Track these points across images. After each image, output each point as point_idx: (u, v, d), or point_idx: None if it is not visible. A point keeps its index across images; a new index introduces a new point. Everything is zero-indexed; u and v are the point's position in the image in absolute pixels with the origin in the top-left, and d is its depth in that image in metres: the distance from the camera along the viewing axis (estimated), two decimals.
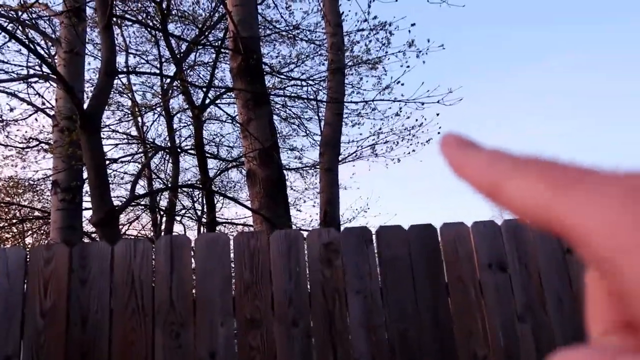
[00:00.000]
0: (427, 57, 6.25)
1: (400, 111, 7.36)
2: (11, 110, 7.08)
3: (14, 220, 9.15)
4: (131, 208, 9.37)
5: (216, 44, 7.54)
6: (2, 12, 5.75)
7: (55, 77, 3.22)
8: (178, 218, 10.11)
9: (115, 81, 8.20)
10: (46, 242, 7.74)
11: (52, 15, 6.39)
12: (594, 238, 0.17)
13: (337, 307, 1.96)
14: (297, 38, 8.56)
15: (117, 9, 6.03)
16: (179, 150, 8.63)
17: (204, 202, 8.12)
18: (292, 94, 8.72)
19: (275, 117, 7.16)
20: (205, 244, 1.98)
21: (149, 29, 7.64)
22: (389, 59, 7.48)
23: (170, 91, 7.96)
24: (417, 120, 7.63)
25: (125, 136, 8.96)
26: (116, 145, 8.78)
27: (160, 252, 1.94)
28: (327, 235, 2.05)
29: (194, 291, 1.93)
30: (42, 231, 9.51)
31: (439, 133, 7.46)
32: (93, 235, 7.78)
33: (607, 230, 0.17)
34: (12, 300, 1.83)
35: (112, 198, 2.97)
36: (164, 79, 8.19)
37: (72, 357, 1.79)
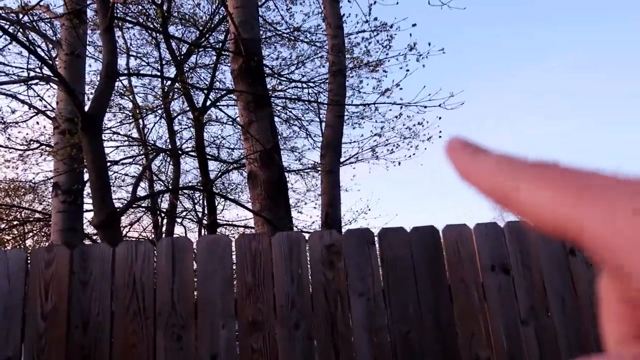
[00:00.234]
0: (427, 59, 6.26)
1: (401, 115, 7.36)
2: (12, 112, 7.09)
3: (15, 222, 9.16)
4: (132, 210, 9.38)
5: (217, 46, 7.55)
6: (3, 14, 5.76)
7: (56, 79, 3.22)
8: (179, 220, 10.11)
9: (117, 83, 8.22)
10: (47, 244, 7.74)
11: (52, 18, 6.40)
12: (613, 247, 0.17)
13: (339, 309, 1.95)
14: (297, 40, 8.57)
15: (118, 11, 6.04)
16: (179, 152, 8.63)
17: (205, 204, 8.12)
18: (293, 96, 8.72)
19: (276, 118, 7.17)
20: (207, 246, 1.97)
21: (149, 31, 7.64)
22: (389, 61, 7.49)
23: (171, 93, 7.97)
24: (419, 123, 7.61)
25: (126, 138, 8.97)
26: (117, 147, 8.78)
27: (161, 254, 1.93)
28: (329, 237, 2.04)
29: (195, 293, 1.93)
30: (42, 233, 9.51)
31: (440, 137, 7.49)
32: (94, 237, 7.78)
33: (627, 239, 0.17)
34: (12, 302, 1.83)
35: (113, 200, 2.97)
36: (165, 81, 8.20)
37: (73, 359, 1.79)
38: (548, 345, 2.00)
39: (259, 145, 4.19)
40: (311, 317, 1.93)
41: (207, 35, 7.98)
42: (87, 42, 6.85)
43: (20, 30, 5.99)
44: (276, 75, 8.18)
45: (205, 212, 8.45)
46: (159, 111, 8.49)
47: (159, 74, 8.25)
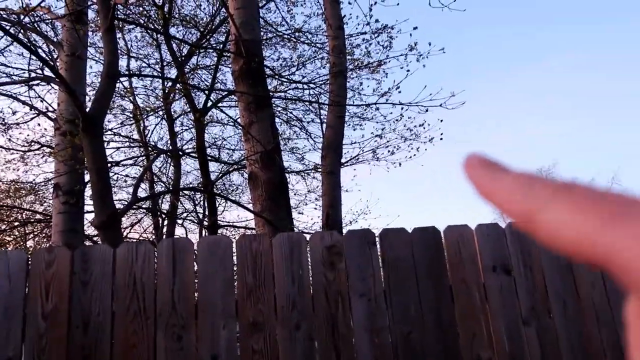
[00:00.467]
0: (428, 59, 6.26)
1: (402, 117, 7.36)
2: (13, 113, 7.10)
3: (16, 224, 9.16)
4: (133, 211, 9.38)
5: (218, 47, 7.55)
6: (4, 15, 5.77)
7: (57, 79, 3.22)
8: (180, 221, 10.11)
9: (118, 85, 8.23)
10: (47, 245, 7.73)
11: (54, 19, 6.40)
12: None
13: (340, 310, 1.94)
14: (298, 41, 8.57)
15: (119, 12, 6.05)
16: (180, 153, 8.63)
17: (206, 205, 8.12)
18: (294, 97, 8.72)
19: (277, 119, 7.17)
20: (208, 246, 1.97)
21: (150, 32, 7.64)
22: (390, 62, 7.49)
23: (172, 95, 7.97)
24: (420, 125, 7.61)
25: (127, 139, 8.97)
26: (118, 148, 8.79)
27: (162, 255, 1.93)
28: (330, 238, 2.04)
29: (195, 294, 1.92)
30: (43, 234, 9.52)
31: (441, 138, 7.49)
32: (95, 238, 7.78)
33: None
34: (13, 303, 1.82)
35: (114, 201, 2.97)
36: (166, 82, 8.20)
37: (74, 359, 1.79)
38: (550, 347, 1.99)
39: (259, 146, 4.19)
40: (312, 318, 1.93)
41: (208, 37, 7.98)
42: (88, 44, 6.86)
43: (22, 31, 5.99)
44: (277, 77, 8.18)
45: (206, 213, 8.46)
46: (160, 112, 8.50)
47: (159, 75, 8.24)
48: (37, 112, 7.09)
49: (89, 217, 6.84)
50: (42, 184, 8.71)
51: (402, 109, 6.33)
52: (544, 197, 0.20)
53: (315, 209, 10.22)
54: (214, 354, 1.84)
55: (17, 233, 9.38)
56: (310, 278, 1.98)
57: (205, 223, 8.68)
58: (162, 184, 9.92)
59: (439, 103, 5.20)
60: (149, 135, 9.58)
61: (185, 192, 9.61)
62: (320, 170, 6.61)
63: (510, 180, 0.22)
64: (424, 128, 7.56)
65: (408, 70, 6.03)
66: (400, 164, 8.13)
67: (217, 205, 7.92)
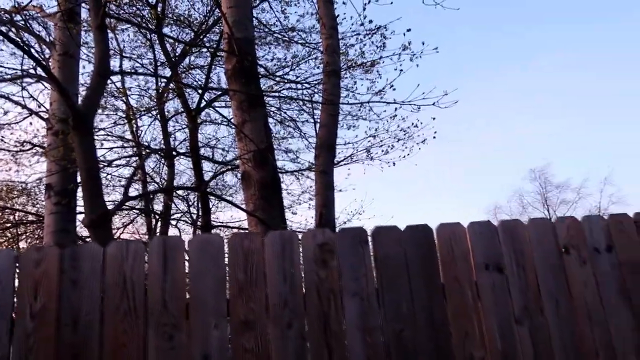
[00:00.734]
0: (421, 60, 6.27)
1: (396, 115, 7.37)
2: (5, 113, 7.04)
3: (8, 225, 9.10)
4: (126, 212, 9.32)
5: (212, 46, 7.52)
6: None
7: (48, 77, 3.19)
8: (173, 222, 10.06)
9: (111, 85, 8.19)
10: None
11: (44, 16, 6.36)
12: None
13: (333, 308, 1.93)
14: (292, 41, 8.56)
15: (112, 11, 6.01)
16: (173, 152, 8.59)
17: (199, 205, 8.08)
18: (287, 95, 8.70)
19: (271, 120, 7.16)
20: (199, 245, 1.96)
21: (142, 30, 7.59)
22: (383, 62, 7.49)
23: (165, 94, 7.94)
24: (412, 123, 7.62)
25: (120, 139, 8.91)
26: (111, 149, 8.73)
27: (153, 253, 1.91)
28: (322, 236, 2.03)
29: (187, 293, 1.91)
30: (36, 235, 9.45)
31: (434, 137, 7.50)
32: (87, 239, 7.73)
33: None
34: (1, 302, 1.80)
35: (104, 200, 2.94)
36: (159, 82, 8.17)
37: (63, 359, 1.76)
38: (542, 346, 1.99)
39: (252, 145, 4.17)
40: (304, 316, 1.91)
41: (202, 37, 7.96)
42: (82, 43, 6.82)
43: (13, 30, 5.95)
44: (271, 76, 8.17)
45: (200, 214, 8.42)
46: (153, 112, 8.46)
47: (153, 73, 8.19)
48: (29, 112, 7.04)
49: (81, 217, 6.80)
50: (34, 183, 8.65)
51: (395, 109, 6.34)
52: None
53: (309, 208, 10.21)
54: (206, 353, 1.82)
55: (9, 234, 9.30)
56: (302, 276, 1.96)
57: (199, 224, 8.66)
58: (155, 184, 9.88)
59: (431, 102, 5.20)
60: (142, 136, 9.54)
61: (179, 193, 9.57)
62: (313, 169, 6.59)
63: None
64: (417, 127, 7.57)
65: (401, 70, 6.03)
66: (394, 164, 8.13)
67: (210, 206, 7.89)
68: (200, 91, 5.74)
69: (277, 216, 4.13)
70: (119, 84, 8.63)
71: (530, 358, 1.96)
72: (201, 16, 8.38)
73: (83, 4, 5.98)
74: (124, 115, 8.67)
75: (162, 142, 8.92)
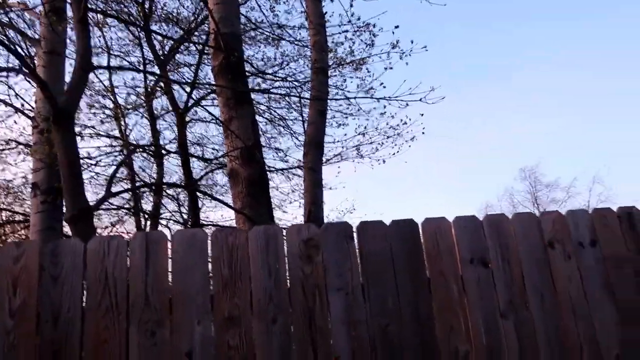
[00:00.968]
0: (411, 57, 6.26)
1: (385, 112, 7.37)
2: None
3: None
4: (115, 212, 9.23)
5: (199, 47, 7.48)
6: None
7: (29, 73, 3.14)
8: (163, 222, 9.99)
9: (98, 83, 8.12)
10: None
11: (26, 10, 6.27)
12: None
13: (317, 303, 1.92)
14: (281, 38, 8.53)
15: (98, 7, 5.96)
16: (161, 150, 8.53)
17: (189, 205, 8.02)
18: (274, 92, 8.67)
19: (260, 119, 7.13)
20: (183, 240, 1.94)
21: (129, 26, 7.51)
22: (372, 60, 7.48)
23: (153, 91, 7.88)
24: (401, 120, 7.62)
25: (107, 137, 8.82)
26: (98, 147, 8.64)
27: (135, 248, 1.89)
28: (307, 231, 2.02)
29: (170, 287, 1.89)
30: (23, 235, 9.35)
31: (423, 133, 7.51)
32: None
33: None
34: None
35: (86, 196, 2.91)
36: (147, 79, 8.09)
37: (43, 355, 1.74)
38: (527, 340, 1.99)
39: (239, 142, 4.15)
40: (289, 311, 1.90)
41: (190, 34, 7.91)
42: (68, 41, 6.75)
43: None
44: (260, 74, 8.14)
45: (190, 214, 8.36)
46: (141, 110, 8.40)
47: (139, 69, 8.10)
48: (14, 109, 6.95)
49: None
50: (21, 184, 8.56)
51: (384, 107, 6.34)
52: None
53: (300, 207, 10.18)
54: (189, 349, 1.81)
55: None
56: (287, 271, 1.95)
57: (189, 224, 8.59)
58: (144, 183, 9.79)
59: (418, 97, 5.20)
60: (130, 134, 9.46)
61: (169, 192, 9.51)
62: (302, 167, 6.58)
63: None
64: (406, 124, 7.57)
65: (391, 68, 6.04)
66: (384, 161, 8.13)
67: (200, 205, 7.85)
68: (188, 88, 5.71)
69: (265, 213, 4.12)
70: (106, 82, 8.56)
71: (515, 352, 1.96)
72: (189, 12, 8.34)
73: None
74: (112, 114, 8.59)
75: (151, 140, 8.86)
